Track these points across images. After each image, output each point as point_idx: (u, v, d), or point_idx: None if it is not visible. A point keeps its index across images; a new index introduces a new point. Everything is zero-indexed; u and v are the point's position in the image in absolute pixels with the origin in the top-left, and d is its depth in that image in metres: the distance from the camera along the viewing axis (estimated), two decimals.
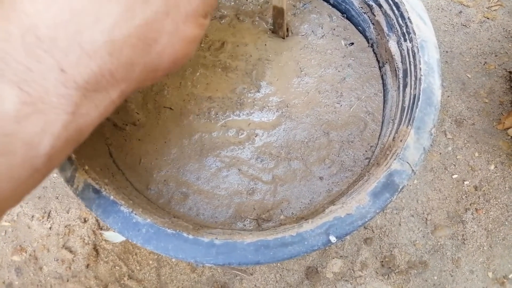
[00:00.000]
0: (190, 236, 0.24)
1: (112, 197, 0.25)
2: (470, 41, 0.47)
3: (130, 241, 0.24)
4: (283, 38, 0.34)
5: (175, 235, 0.24)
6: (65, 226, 0.44)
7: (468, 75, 0.46)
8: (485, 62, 0.46)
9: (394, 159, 0.25)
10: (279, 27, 0.33)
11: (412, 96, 0.27)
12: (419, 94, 0.26)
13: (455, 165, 0.43)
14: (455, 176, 0.42)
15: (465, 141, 0.43)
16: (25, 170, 0.17)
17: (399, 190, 0.25)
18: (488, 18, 0.47)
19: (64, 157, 0.19)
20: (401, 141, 0.26)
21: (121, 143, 0.32)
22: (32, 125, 0.16)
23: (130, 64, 0.17)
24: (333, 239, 0.24)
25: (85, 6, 0.16)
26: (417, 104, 0.26)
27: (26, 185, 0.18)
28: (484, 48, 0.47)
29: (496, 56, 0.46)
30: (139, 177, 0.31)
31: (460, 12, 0.48)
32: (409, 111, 0.27)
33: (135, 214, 0.24)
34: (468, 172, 0.42)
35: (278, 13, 0.32)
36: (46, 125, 0.16)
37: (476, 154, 0.43)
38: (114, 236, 0.38)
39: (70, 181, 0.25)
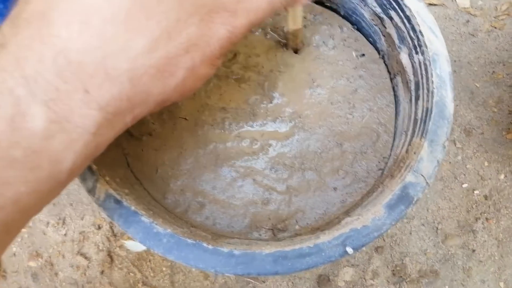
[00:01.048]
0: (210, 246, 0.24)
1: (133, 207, 0.25)
2: (478, 50, 0.47)
3: (151, 250, 0.25)
4: (296, 52, 0.34)
5: (195, 245, 0.24)
6: (80, 233, 0.45)
7: (476, 84, 0.46)
8: (493, 71, 0.46)
9: (409, 172, 0.25)
10: (293, 43, 0.34)
11: (424, 109, 0.27)
12: (432, 107, 0.27)
13: (465, 175, 0.43)
14: (465, 185, 0.43)
15: (475, 150, 0.44)
16: (49, 184, 0.18)
17: (413, 202, 0.25)
18: (495, 28, 0.48)
19: (81, 171, 0.20)
20: (414, 153, 0.26)
21: (138, 153, 0.32)
22: (57, 143, 0.17)
23: (146, 92, 0.19)
24: (349, 250, 0.24)
25: (115, 35, 0.17)
26: (430, 117, 0.26)
27: (49, 197, 0.19)
28: (492, 57, 0.47)
29: (504, 65, 0.47)
30: (156, 186, 0.31)
31: (468, 21, 0.48)
32: (422, 123, 0.27)
33: (156, 224, 0.25)
34: (478, 182, 0.43)
35: (295, 33, 0.32)
36: (70, 143, 0.17)
37: (486, 164, 0.43)
38: (135, 246, 0.39)
39: (92, 191, 0.26)
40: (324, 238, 0.24)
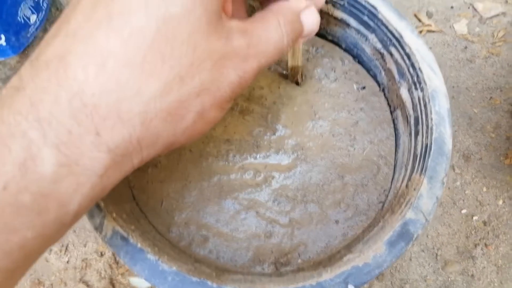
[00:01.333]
0: (214, 285, 0.25)
1: (139, 245, 0.26)
2: (476, 76, 0.48)
3: None
4: (297, 85, 0.35)
5: (200, 283, 0.25)
6: (82, 260, 0.45)
7: (474, 109, 0.47)
8: (491, 97, 0.47)
9: (409, 208, 0.26)
10: (293, 78, 0.34)
11: (424, 145, 0.28)
12: (431, 143, 0.27)
13: (463, 200, 0.44)
14: (464, 211, 0.43)
15: (473, 176, 0.44)
16: (55, 227, 0.18)
17: (413, 239, 0.26)
18: (492, 54, 0.49)
19: (86, 212, 0.20)
20: (414, 189, 0.27)
21: (143, 185, 0.33)
22: (66, 186, 0.17)
23: (156, 135, 0.19)
24: None
25: (130, 79, 0.17)
26: (429, 153, 0.27)
27: (54, 239, 0.19)
28: (490, 83, 0.48)
29: (501, 91, 0.47)
30: (161, 219, 0.32)
31: (466, 47, 0.49)
32: (422, 159, 0.28)
33: (161, 262, 0.25)
34: (476, 207, 0.43)
35: (294, 69, 0.33)
36: (77, 186, 0.17)
37: (484, 189, 0.44)
38: (140, 282, 0.39)
39: (99, 228, 0.26)
40: (326, 276, 0.25)
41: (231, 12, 0.22)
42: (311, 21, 0.24)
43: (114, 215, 0.27)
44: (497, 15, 0.50)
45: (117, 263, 0.44)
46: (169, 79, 0.18)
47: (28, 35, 0.38)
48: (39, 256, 0.20)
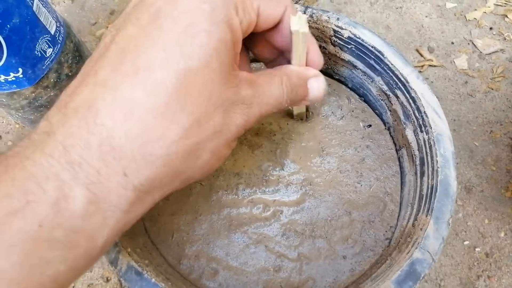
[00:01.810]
0: None
1: (153, 280, 0.27)
2: (476, 110, 0.50)
3: None
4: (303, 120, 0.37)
5: None
6: (88, 285, 0.45)
7: (475, 143, 0.48)
8: (491, 131, 0.49)
9: (416, 248, 0.27)
10: (300, 119, 0.36)
11: (430, 186, 0.29)
12: (437, 185, 0.28)
13: (465, 232, 0.44)
14: (466, 242, 0.44)
15: (475, 208, 0.45)
16: (85, 260, 0.20)
17: (421, 278, 0.26)
18: (492, 89, 0.50)
19: (111, 245, 0.22)
20: (421, 229, 0.28)
21: (155, 217, 0.34)
22: (94, 221, 0.19)
23: (176, 174, 0.21)
24: None
25: (155, 125, 0.19)
26: (435, 195, 0.28)
27: (82, 271, 0.21)
28: (490, 117, 0.49)
29: (501, 125, 0.49)
30: (172, 251, 0.33)
31: (466, 82, 0.51)
32: (428, 200, 0.29)
33: None
34: (479, 239, 0.44)
35: (299, 115, 0.35)
36: (104, 221, 0.19)
37: (486, 221, 0.45)
38: None
39: (114, 262, 0.27)
40: None
41: (238, 63, 0.24)
42: (316, 88, 0.28)
43: (129, 250, 0.28)
44: (496, 51, 0.52)
45: None
46: (188, 125, 0.20)
47: (44, 67, 0.39)
48: (70, 285, 0.21)
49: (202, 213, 0.34)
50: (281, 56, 0.29)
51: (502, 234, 0.44)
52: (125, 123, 0.18)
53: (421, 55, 0.52)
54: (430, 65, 0.52)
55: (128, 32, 0.20)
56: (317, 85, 0.28)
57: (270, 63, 0.31)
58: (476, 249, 0.44)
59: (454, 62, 0.52)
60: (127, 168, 0.19)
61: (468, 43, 0.53)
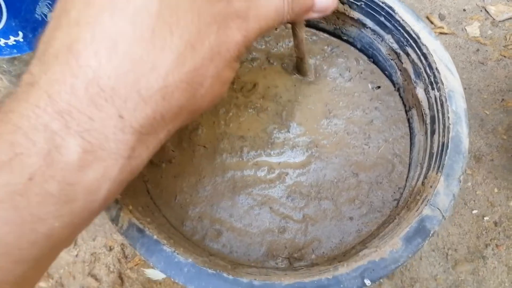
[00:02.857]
0: (230, 277, 0.25)
1: (155, 237, 0.26)
2: (488, 78, 0.48)
3: (172, 279, 0.26)
4: (303, 77, 0.35)
5: (216, 275, 0.25)
6: (91, 254, 0.45)
7: (486, 111, 0.47)
8: (503, 99, 0.47)
9: (425, 205, 0.26)
10: (299, 70, 0.35)
11: (440, 144, 0.28)
12: (448, 142, 0.27)
13: (474, 201, 0.44)
14: (475, 211, 0.43)
15: (484, 177, 0.44)
16: (83, 215, 0.18)
17: (430, 235, 0.26)
18: (505, 57, 0.49)
19: (115, 197, 0.20)
20: (431, 187, 0.27)
21: (158, 180, 0.33)
22: (93, 172, 0.17)
23: (179, 107, 0.19)
24: (367, 282, 0.25)
25: (143, 56, 0.17)
26: (446, 151, 0.27)
27: (81, 228, 0.19)
28: (502, 85, 0.48)
29: None
30: (175, 213, 0.32)
31: (478, 50, 0.49)
32: (438, 158, 0.28)
33: (177, 254, 0.26)
34: (487, 208, 0.43)
35: (299, 61, 0.34)
36: (105, 171, 0.17)
37: (496, 190, 0.44)
38: (155, 274, 0.40)
39: (115, 220, 0.27)
40: (343, 270, 0.25)
41: None
42: None
43: (131, 207, 0.27)
44: (510, 18, 0.50)
45: (126, 257, 0.44)
46: (181, 49, 0.18)
47: None
48: (66, 245, 0.20)
49: (205, 175, 0.33)
50: None
51: None
52: (111, 60, 0.17)
53: (432, 23, 0.51)
54: (440, 33, 0.50)
55: None
56: None
57: None
58: (485, 218, 0.43)
59: (465, 29, 0.50)
60: (122, 109, 0.17)
61: (481, 10, 0.51)
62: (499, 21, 0.50)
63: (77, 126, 0.16)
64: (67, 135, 0.16)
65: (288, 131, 0.34)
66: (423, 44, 0.30)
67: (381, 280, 0.41)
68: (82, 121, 0.17)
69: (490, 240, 0.42)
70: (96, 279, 0.44)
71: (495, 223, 0.43)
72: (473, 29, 0.50)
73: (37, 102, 0.16)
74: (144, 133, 0.18)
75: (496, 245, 0.42)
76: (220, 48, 0.19)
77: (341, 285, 0.25)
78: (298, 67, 0.35)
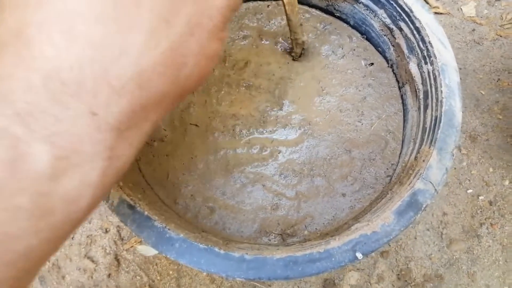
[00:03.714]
0: (222, 251, 0.25)
1: (146, 213, 0.26)
2: (483, 58, 0.48)
3: (163, 255, 0.25)
4: (294, 59, 0.35)
5: (207, 250, 0.25)
6: (87, 236, 0.45)
7: (481, 91, 0.47)
8: (499, 79, 0.47)
9: (418, 179, 0.26)
10: (295, 44, 0.34)
11: (433, 118, 0.28)
12: (441, 116, 0.27)
13: (469, 180, 0.43)
14: (469, 191, 0.43)
15: (480, 157, 0.44)
16: (65, 227, 0.16)
17: (422, 208, 0.26)
18: (501, 36, 0.48)
19: (101, 201, 0.17)
20: (423, 161, 0.27)
21: (149, 158, 0.33)
22: (69, 180, 0.15)
23: (161, 93, 0.16)
24: (359, 255, 0.25)
25: (107, 38, 0.14)
26: (439, 125, 0.27)
27: (64, 240, 0.17)
28: (497, 65, 0.48)
29: (509, 73, 0.47)
30: (167, 191, 0.32)
31: (473, 30, 0.49)
32: (431, 132, 0.28)
33: (168, 229, 0.25)
34: (482, 187, 0.43)
35: (293, 25, 0.33)
36: (84, 177, 0.15)
37: (491, 170, 0.44)
38: (147, 250, 0.40)
39: (105, 197, 0.26)
40: (334, 243, 0.25)
41: None
42: None
43: (121, 184, 0.27)
44: None
45: (122, 239, 0.44)
46: (153, 26, 0.15)
47: None
48: (49, 258, 0.17)
49: (198, 154, 0.33)
50: None
51: (507, 182, 0.43)
52: (71, 47, 0.14)
53: (427, 2, 0.50)
54: (436, 13, 0.50)
55: None
56: None
57: None
58: (480, 198, 0.43)
59: (461, 9, 0.50)
60: (93, 105, 0.14)
61: None
62: (495, 1, 0.50)
63: (43, 129, 0.14)
64: (33, 140, 0.14)
65: (281, 109, 0.34)
66: (416, 18, 0.29)
67: (373, 254, 0.41)
68: (47, 123, 0.14)
69: (485, 219, 0.42)
70: (93, 261, 0.44)
71: (490, 203, 0.43)
72: (469, 9, 0.50)
73: None
74: (123, 129, 0.16)
75: (491, 224, 0.42)
76: (201, 18, 0.16)
77: (333, 259, 0.25)
78: (293, 43, 0.34)
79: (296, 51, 0.34)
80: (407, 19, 0.30)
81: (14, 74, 0.14)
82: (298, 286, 0.41)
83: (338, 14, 0.36)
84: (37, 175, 0.14)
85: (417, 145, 0.29)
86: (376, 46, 0.35)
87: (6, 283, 0.15)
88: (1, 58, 0.14)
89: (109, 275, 0.44)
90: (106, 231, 0.45)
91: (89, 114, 0.14)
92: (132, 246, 0.43)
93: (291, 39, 0.33)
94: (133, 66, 0.15)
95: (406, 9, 0.30)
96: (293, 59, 0.35)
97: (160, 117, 0.18)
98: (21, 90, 0.14)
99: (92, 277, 0.44)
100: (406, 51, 0.32)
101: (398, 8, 0.31)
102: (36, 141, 0.14)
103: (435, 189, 0.26)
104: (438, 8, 0.50)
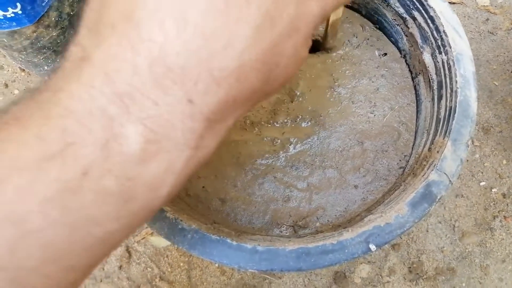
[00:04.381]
0: (234, 242, 0.25)
1: None
2: (497, 48, 0.47)
3: (176, 246, 0.26)
4: (328, 52, 0.34)
5: (219, 241, 0.25)
6: None
7: (495, 82, 0.46)
8: None
9: (432, 170, 0.26)
10: (331, 39, 0.33)
11: (448, 108, 0.28)
12: (456, 106, 0.27)
13: (482, 173, 0.43)
14: (482, 183, 0.43)
15: (493, 149, 0.44)
16: (142, 215, 0.15)
17: (437, 200, 0.25)
18: None
19: (177, 192, 0.17)
20: (438, 152, 0.27)
21: None
22: (156, 165, 0.15)
23: (252, 90, 0.16)
24: (372, 247, 0.25)
25: (217, 29, 0.14)
26: (453, 116, 0.27)
27: (136, 229, 0.17)
28: None
29: None
30: None
31: (487, 19, 0.48)
32: (445, 122, 0.27)
33: (181, 221, 0.25)
34: (496, 180, 0.43)
35: (334, 24, 0.32)
36: (169, 164, 0.15)
37: (504, 162, 0.43)
38: (159, 241, 0.40)
39: None
40: (347, 235, 0.25)
41: None
42: None
43: None
44: None
45: None
46: (259, 22, 0.15)
47: (43, 4, 0.38)
48: (117, 247, 0.17)
49: None
50: None
51: None
52: (181, 34, 0.14)
53: None
54: (449, 2, 0.49)
55: None
56: None
57: None
58: (493, 190, 0.43)
59: None
60: (193, 93, 0.14)
61: None
62: None
63: (140, 111, 0.14)
64: (128, 122, 0.14)
65: (292, 101, 0.34)
66: (430, 7, 0.29)
67: (385, 247, 0.41)
68: (145, 106, 0.14)
69: (498, 212, 0.42)
70: None
71: (503, 195, 0.42)
72: None
73: (92, 82, 0.14)
74: (213, 120, 0.16)
75: (504, 217, 0.42)
76: (299, 21, 0.16)
77: (346, 250, 0.24)
78: (329, 38, 0.34)
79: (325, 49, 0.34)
80: (421, 8, 0.30)
81: (120, 55, 0.14)
82: (308, 279, 0.41)
83: (349, 4, 0.36)
84: (126, 157, 0.14)
85: (430, 136, 0.29)
86: (389, 36, 0.35)
87: (79, 271, 0.15)
88: (107, 39, 0.14)
89: (120, 267, 0.44)
90: None
91: (186, 101, 0.14)
92: (143, 238, 0.43)
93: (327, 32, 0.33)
94: (236, 59, 0.15)
95: None
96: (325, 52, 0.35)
97: (243, 114, 0.18)
98: (125, 71, 0.14)
99: (103, 269, 0.44)
100: (419, 41, 0.31)
101: None
102: (131, 123, 0.14)
103: (450, 181, 0.25)
104: None
